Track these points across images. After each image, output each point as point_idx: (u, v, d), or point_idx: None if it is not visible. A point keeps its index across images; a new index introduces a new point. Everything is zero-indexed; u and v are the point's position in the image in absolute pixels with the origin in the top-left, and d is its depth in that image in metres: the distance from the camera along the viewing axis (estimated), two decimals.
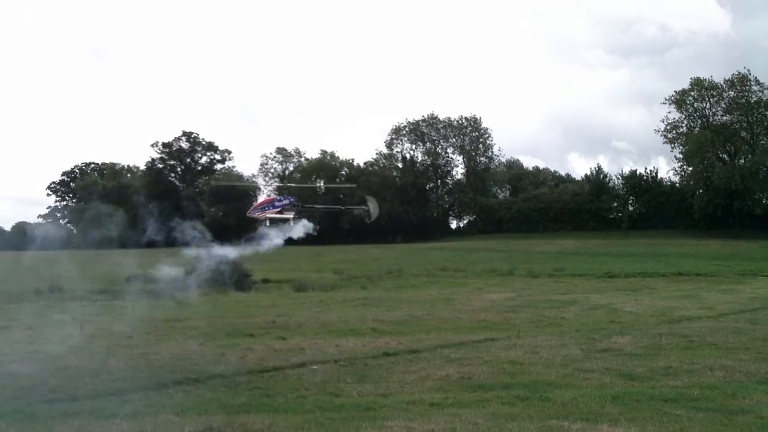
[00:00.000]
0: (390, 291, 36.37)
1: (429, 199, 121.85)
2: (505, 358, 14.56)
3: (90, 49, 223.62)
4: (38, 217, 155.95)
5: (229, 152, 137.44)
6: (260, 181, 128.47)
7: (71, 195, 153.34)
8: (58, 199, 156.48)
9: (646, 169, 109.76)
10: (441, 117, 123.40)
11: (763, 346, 15.63)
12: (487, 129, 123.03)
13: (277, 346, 16.43)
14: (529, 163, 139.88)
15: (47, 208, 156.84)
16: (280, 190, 23.81)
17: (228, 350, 15.77)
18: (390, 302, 28.45)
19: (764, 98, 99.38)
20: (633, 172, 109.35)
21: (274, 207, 23.48)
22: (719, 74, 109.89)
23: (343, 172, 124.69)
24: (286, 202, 22.32)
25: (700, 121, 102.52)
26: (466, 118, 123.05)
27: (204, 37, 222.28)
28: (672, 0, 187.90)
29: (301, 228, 23.04)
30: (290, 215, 22.58)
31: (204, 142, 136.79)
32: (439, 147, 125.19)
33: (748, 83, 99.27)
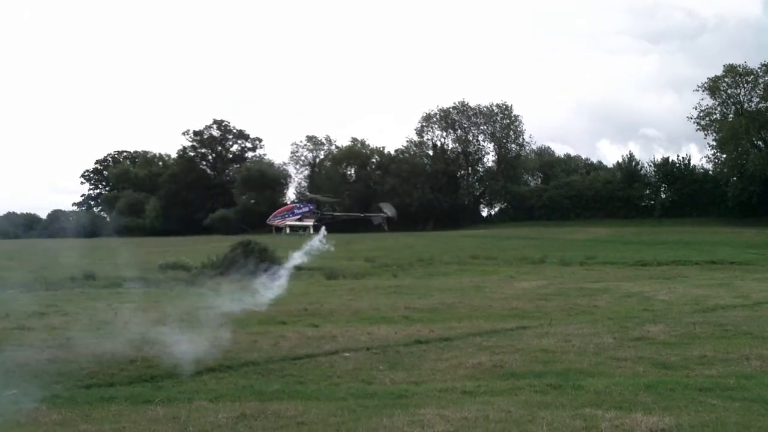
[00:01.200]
0: (421, 279, 36.38)
1: (460, 186, 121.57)
2: (538, 346, 14.53)
3: (120, 37, 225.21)
4: (72, 205, 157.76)
5: (260, 140, 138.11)
6: (291, 169, 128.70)
7: (104, 183, 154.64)
8: (91, 187, 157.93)
9: (678, 156, 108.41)
10: (471, 104, 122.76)
11: None
12: (518, 116, 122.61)
13: (309, 334, 16.51)
14: (559, 150, 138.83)
15: (81, 196, 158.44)
16: (300, 198, 24.04)
17: (260, 337, 15.88)
18: (421, 290, 28.46)
19: None
20: (665, 160, 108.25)
21: (294, 215, 23.74)
22: (751, 60, 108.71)
23: (374, 160, 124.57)
24: (306, 209, 22.65)
25: (734, 108, 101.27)
26: (497, 105, 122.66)
27: (236, 25, 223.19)
28: None
29: (317, 242, 23.19)
30: (309, 222, 22.88)
31: (235, 130, 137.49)
32: (470, 134, 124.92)
33: None
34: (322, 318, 19.59)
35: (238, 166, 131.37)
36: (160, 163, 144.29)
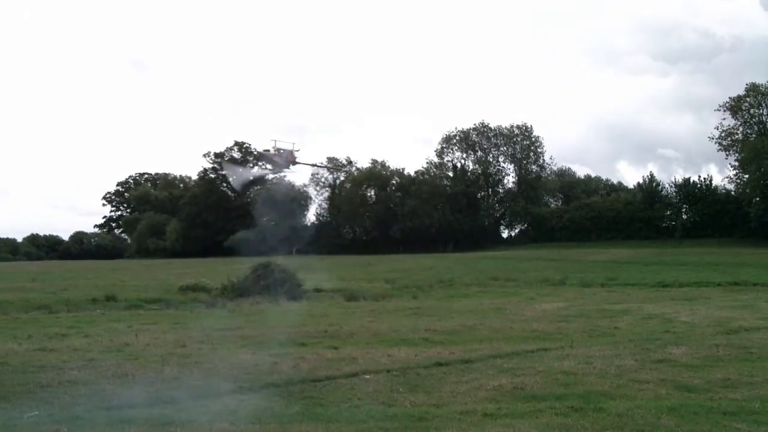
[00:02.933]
0: (441, 300, 36.33)
1: (480, 207, 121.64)
2: (559, 368, 14.44)
3: (139, 60, 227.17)
4: (94, 227, 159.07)
5: None
6: (311, 190, 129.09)
7: (126, 205, 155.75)
8: (113, 209, 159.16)
9: (699, 177, 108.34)
10: (492, 125, 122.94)
11: None
12: (538, 137, 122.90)
13: (329, 356, 16.48)
14: (579, 171, 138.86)
15: (103, 218, 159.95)
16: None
17: (280, 359, 15.86)
18: (441, 312, 28.40)
19: None
20: (686, 180, 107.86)
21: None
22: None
23: (394, 182, 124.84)
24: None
25: (756, 128, 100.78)
26: (517, 126, 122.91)
27: (259, 47, 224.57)
28: (713, 5, 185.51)
29: None
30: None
31: (255, 152, 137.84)
32: (490, 155, 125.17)
33: None
34: (342, 340, 19.55)
35: (259, 188, 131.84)
36: (181, 185, 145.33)
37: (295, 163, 24.34)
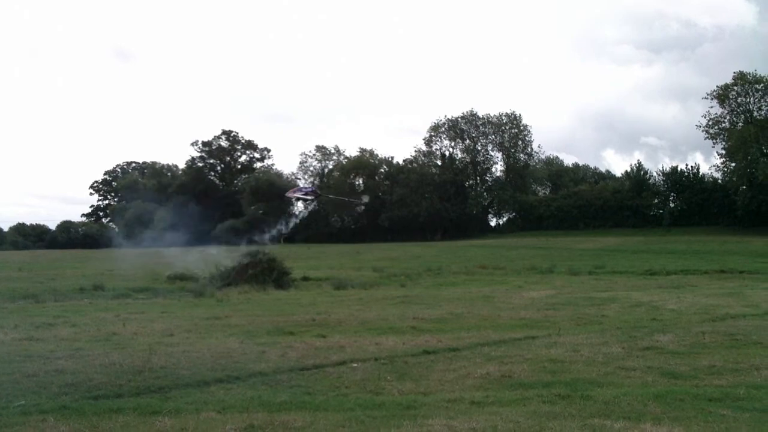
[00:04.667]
0: (429, 289, 36.35)
1: (468, 196, 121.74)
2: (546, 356, 14.48)
3: (125, 49, 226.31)
4: (81, 216, 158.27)
5: (269, 150, 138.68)
6: (300, 179, 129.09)
7: (113, 194, 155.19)
8: (100, 198, 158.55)
9: (687, 165, 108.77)
10: (480, 114, 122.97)
11: None
12: (526, 126, 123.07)
13: (317, 344, 16.47)
14: (566, 160, 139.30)
15: (90, 207, 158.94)
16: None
17: (268, 348, 15.84)
18: (429, 300, 28.42)
19: None
20: (674, 169, 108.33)
21: (301, 191, 30.13)
22: (752, 68, 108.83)
23: (382, 170, 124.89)
24: (310, 189, 28.17)
25: (743, 116, 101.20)
26: (505, 115, 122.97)
27: (245, 37, 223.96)
28: None
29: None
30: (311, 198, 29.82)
31: (243, 141, 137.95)
32: (479, 144, 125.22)
33: None
34: (330, 328, 19.54)
35: (247, 176, 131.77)
36: (169, 174, 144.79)
37: (319, 195, 28.87)
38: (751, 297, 27.24)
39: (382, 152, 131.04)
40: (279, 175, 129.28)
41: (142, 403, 10.85)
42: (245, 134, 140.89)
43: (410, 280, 41.77)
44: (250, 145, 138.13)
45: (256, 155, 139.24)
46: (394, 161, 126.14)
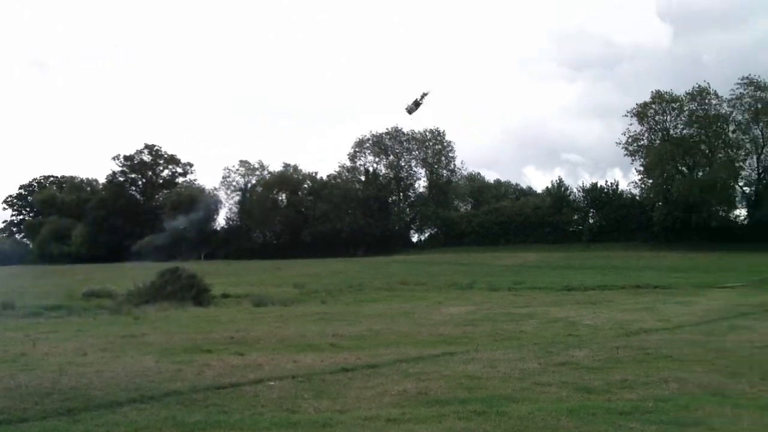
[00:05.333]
0: (350, 305, 36.32)
1: (391, 212, 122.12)
2: (463, 372, 14.55)
3: (41, 59, 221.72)
4: None
5: (191, 165, 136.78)
6: (222, 194, 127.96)
7: (29, 209, 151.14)
8: (14, 213, 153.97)
9: (606, 181, 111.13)
10: (405, 130, 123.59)
11: (716, 358, 15.81)
12: (450, 142, 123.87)
13: (234, 362, 16.28)
14: (489, 176, 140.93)
15: (3, 222, 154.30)
16: None
17: (185, 366, 15.59)
18: (350, 316, 28.38)
19: (722, 112, 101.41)
20: (594, 185, 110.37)
21: None
22: (667, 87, 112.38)
23: (306, 186, 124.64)
24: None
25: (661, 134, 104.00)
26: (429, 131, 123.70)
27: (165, 47, 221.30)
28: (614, 15, 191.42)
29: None
30: None
31: (166, 155, 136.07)
32: (402, 160, 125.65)
33: (708, 96, 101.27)
34: (248, 346, 19.34)
35: (168, 191, 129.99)
36: (89, 189, 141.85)
37: None
38: (664, 311, 27.91)
39: (306, 167, 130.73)
40: (201, 190, 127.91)
41: (48, 427, 10.53)
42: (168, 148, 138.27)
43: (331, 297, 41.70)
44: (172, 160, 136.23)
45: (179, 170, 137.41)
46: (318, 177, 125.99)
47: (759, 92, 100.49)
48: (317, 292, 44.29)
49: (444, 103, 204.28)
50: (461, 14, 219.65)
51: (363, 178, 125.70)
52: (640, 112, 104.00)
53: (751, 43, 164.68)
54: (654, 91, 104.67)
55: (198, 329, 23.96)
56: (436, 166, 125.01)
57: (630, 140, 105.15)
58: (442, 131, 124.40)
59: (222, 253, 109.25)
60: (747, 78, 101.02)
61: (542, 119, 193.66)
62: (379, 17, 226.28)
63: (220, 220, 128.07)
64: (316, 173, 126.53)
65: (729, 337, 19.47)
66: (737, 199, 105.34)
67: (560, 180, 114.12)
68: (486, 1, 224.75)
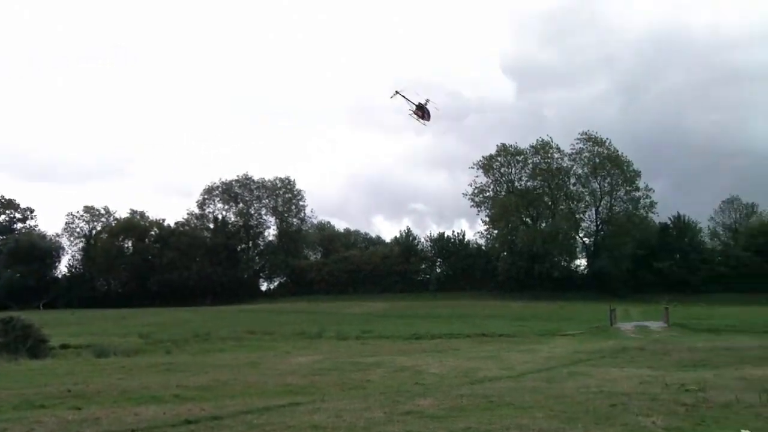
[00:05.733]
0: (196, 355, 35.53)
1: (240, 260, 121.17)
2: (309, 422, 14.37)
3: None
4: None
5: (32, 210, 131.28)
6: (65, 240, 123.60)
7: None
8: None
9: (453, 231, 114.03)
10: (255, 178, 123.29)
11: (555, 404, 16.21)
12: (300, 191, 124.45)
13: (70, 417, 15.53)
14: (339, 225, 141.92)
15: None
16: None
17: (13, 425, 14.74)
18: (195, 367, 27.69)
19: (564, 165, 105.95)
20: (441, 235, 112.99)
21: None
22: (512, 140, 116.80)
23: (153, 233, 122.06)
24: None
25: (506, 186, 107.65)
26: (280, 179, 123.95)
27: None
28: (461, 69, 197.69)
29: None
30: None
31: (3, 200, 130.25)
32: (252, 208, 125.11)
33: (551, 150, 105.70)
34: (87, 399, 18.52)
35: (5, 237, 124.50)
36: None
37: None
38: (508, 359, 28.50)
39: (153, 214, 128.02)
40: (42, 236, 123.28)
41: None
42: (6, 193, 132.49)
43: (177, 347, 40.68)
44: (10, 205, 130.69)
45: (17, 215, 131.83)
46: (166, 224, 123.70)
47: (597, 147, 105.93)
48: (163, 342, 43.13)
49: (295, 152, 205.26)
50: (312, 63, 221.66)
51: (212, 225, 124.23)
52: (486, 164, 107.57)
53: (589, 100, 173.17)
54: (499, 144, 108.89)
55: (31, 383, 22.79)
56: (286, 215, 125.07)
57: (476, 191, 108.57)
58: (292, 180, 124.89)
59: (63, 302, 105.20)
60: (586, 133, 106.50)
61: (391, 169, 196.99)
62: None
63: (62, 268, 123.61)
64: (163, 220, 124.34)
65: (568, 383, 20.01)
66: (577, 249, 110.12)
67: (408, 230, 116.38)
68: (335, 49, 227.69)
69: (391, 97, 38.94)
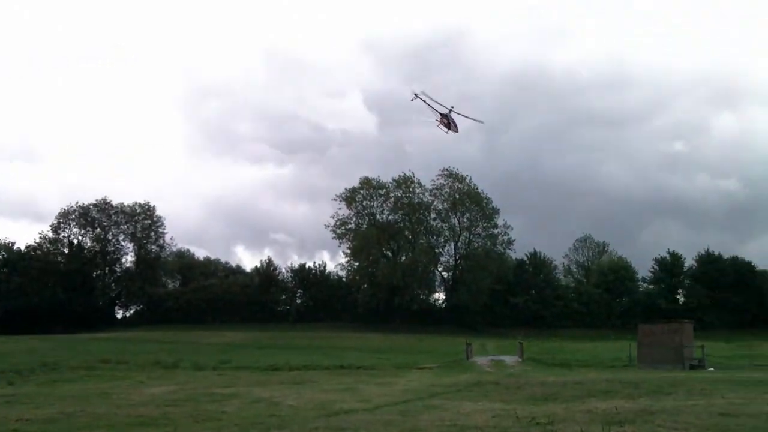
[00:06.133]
0: (42, 386, 33.97)
1: (96, 287, 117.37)
2: None
3: None
4: None
5: None
6: None
7: None
8: None
9: (314, 263, 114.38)
10: (114, 202, 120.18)
11: None
12: (160, 217, 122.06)
13: None
14: (197, 253, 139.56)
15: None
16: None
17: None
18: (40, 398, 26.50)
19: (425, 200, 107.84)
20: (302, 266, 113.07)
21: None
22: (375, 173, 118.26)
23: (1, 257, 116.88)
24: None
25: (368, 219, 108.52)
26: (139, 205, 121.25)
27: None
28: (324, 101, 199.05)
29: None
30: None
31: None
32: (110, 233, 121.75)
33: (412, 185, 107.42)
34: None
35: None
36: None
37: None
38: (365, 392, 28.52)
39: (1, 237, 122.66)
40: None
41: None
42: None
43: (21, 377, 38.82)
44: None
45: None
46: (15, 248, 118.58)
47: (457, 183, 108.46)
48: (4, 372, 41.07)
49: (155, 178, 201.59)
50: (170, 92, 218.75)
51: (66, 250, 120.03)
52: (349, 197, 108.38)
53: (451, 137, 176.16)
54: (362, 177, 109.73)
55: None
56: (144, 241, 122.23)
57: (338, 223, 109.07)
58: (152, 206, 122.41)
59: None
60: (447, 170, 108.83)
61: (253, 199, 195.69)
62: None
63: None
64: (13, 244, 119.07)
65: (423, 416, 20.15)
66: (436, 283, 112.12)
67: (269, 260, 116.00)
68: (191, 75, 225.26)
69: (412, 100, 38.13)
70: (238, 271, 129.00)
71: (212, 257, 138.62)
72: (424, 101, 37.77)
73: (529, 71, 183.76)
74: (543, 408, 20.23)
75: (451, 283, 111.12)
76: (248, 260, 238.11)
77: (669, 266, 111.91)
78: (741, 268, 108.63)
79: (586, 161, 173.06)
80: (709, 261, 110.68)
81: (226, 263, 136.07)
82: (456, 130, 39.50)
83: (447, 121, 38.06)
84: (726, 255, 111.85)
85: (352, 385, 31.70)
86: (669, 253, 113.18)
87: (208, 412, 21.83)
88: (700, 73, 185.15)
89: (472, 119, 40.05)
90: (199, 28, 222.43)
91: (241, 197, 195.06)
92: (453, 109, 38.19)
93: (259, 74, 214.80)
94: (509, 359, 52.58)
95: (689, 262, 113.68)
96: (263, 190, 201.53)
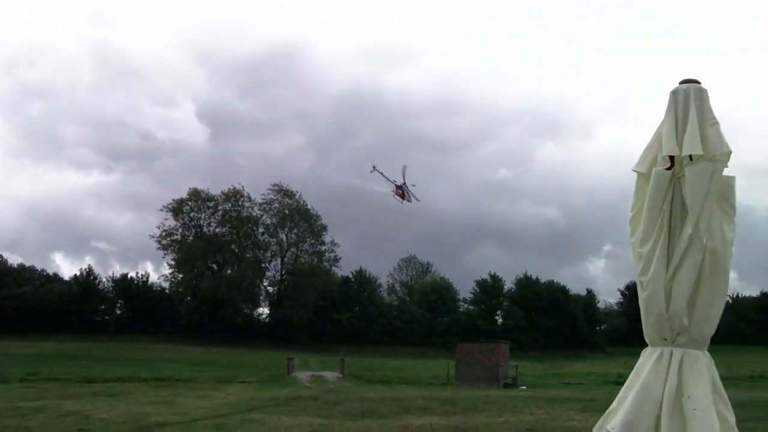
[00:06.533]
0: None
1: None
2: None
3: None
4: None
5: None
6: None
7: None
8: None
9: (137, 273, 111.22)
10: None
11: None
12: None
13: None
14: (11, 260, 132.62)
15: None
16: None
17: None
18: None
19: (254, 214, 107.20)
20: (124, 276, 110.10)
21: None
22: (204, 185, 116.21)
23: None
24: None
25: (194, 230, 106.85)
26: None
27: None
28: (154, 110, 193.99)
29: None
30: None
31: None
32: None
33: (242, 199, 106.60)
34: None
35: None
36: None
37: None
38: (182, 404, 27.74)
39: None
40: None
41: None
42: None
43: None
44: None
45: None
46: None
47: (287, 199, 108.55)
48: None
49: None
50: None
51: None
52: (176, 208, 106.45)
53: (281, 153, 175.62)
54: (191, 189, 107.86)
55: None
56: None
57: (164, 234, 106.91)
58: None
59: None
60: (277, 185, 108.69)
61: (74, 205, 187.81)
62: None
63: None
64: None
65: (239, 430, 19.77)
66: (261, 297, 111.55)
67: (90, 268, 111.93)
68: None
69: (370, 172, 41.56)
70: (55, 279, 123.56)
71: (27, 264, 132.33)
72: (381, 173, 41.39)
73: (363, 92, 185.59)
74: (360, 424, 20.18)
75: (276, 297, 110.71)
76: (67, 268, 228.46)
77: (489, 288, 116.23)
78: (555, 292, 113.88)
79: (415, 183, 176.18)
80: (527, 284, 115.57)
81: (43, 271, 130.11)
82: (410, 200, 43.38)
83: (402, 192, 41.65)
84: (543, 279, 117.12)
85: (169, 398, 30.83)
86: (490, 275, 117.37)
87: (9, 428, 20.46)
88: (526, 103, 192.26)
89: (413, 196, 43.40)
90: (23, 24, 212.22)
91: (63, 203, 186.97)
92: (405, 184, 43.00)
93: (86, 76, 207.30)
94: (330, 375, 52.75)
95: (509, 284, 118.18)
96: (86, 197, 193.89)
